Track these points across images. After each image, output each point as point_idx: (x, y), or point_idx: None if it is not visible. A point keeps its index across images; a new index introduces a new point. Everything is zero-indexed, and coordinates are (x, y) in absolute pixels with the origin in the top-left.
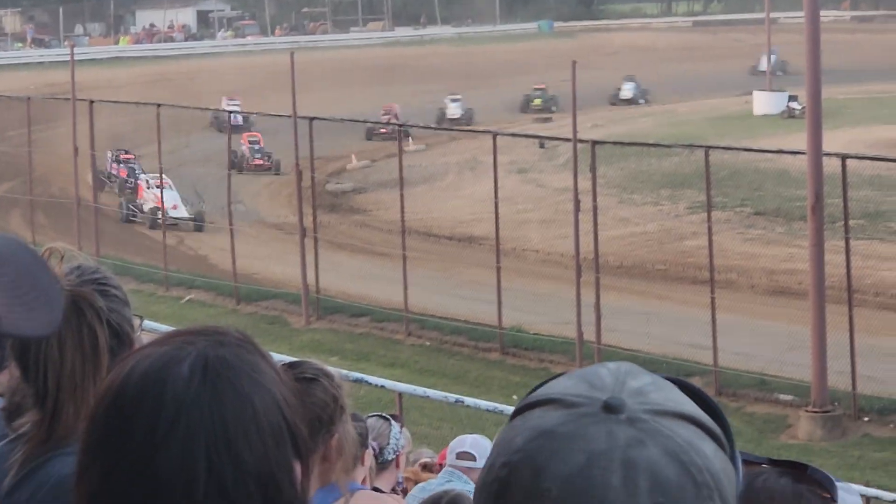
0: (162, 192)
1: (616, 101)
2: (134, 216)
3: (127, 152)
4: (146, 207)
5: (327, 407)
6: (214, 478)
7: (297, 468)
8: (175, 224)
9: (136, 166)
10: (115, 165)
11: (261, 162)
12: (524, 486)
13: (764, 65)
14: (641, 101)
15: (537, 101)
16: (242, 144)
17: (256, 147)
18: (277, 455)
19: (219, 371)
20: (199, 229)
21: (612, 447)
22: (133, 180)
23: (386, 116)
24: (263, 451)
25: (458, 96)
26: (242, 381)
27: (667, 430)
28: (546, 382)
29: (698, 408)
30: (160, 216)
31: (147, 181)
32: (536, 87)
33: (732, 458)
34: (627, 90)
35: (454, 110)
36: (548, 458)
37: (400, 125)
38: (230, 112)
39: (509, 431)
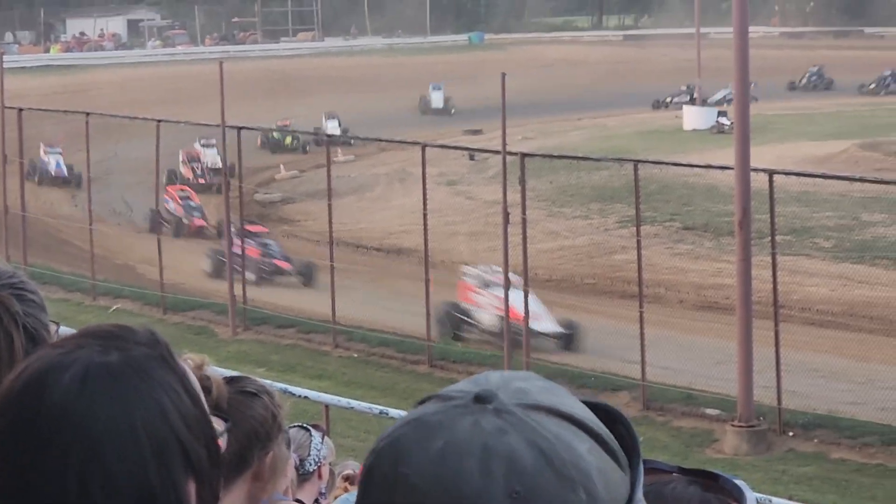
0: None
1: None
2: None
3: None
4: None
5: (265, 423)
6: (86, 496)
7: (191, 486)
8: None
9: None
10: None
11: (202, 223)
12: (384, 472)
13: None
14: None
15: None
16: (169, 201)
17: (192, 205)
18: (160, 471)
19: (99, 380)
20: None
21: (473, 435)
22: None
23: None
24: (141, 467)
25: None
26: (124, 391)
27: (533, 422)
28: None
29: (587, 411)
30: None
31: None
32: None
33: (632, 467)
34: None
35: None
36: (410, 444)
37: (328, 136)
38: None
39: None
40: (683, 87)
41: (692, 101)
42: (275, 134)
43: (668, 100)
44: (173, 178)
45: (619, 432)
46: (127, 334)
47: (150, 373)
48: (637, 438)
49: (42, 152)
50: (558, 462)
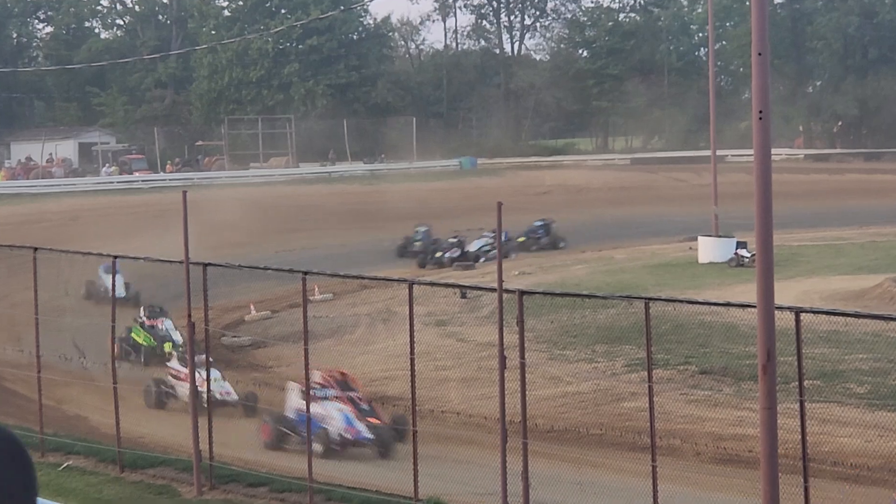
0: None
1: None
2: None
3: None
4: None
5: None
6: None
7: None
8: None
9: None
10: None
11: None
12: None
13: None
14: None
15: (418, 244)
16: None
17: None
18: None
19: None
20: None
21: None
22: None
23: None
24: None
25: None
26: None
27: None
28: None
29: None
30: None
31: None
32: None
33: None
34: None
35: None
36: None
37: (304, 273)
38: None
39: None
40: (422, 228)
41: (461, 255)
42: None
43: (435, 255)
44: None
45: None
46: None
47: None
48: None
49: None
50: None
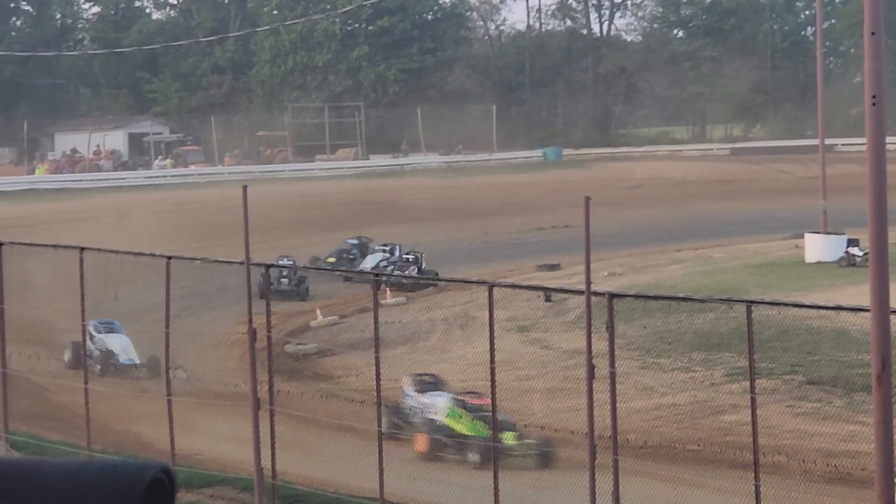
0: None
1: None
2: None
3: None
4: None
5: None
6: None
7: None
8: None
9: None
10: None
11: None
12: None
13: None
14: None
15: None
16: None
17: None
18: None
19: None
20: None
21: None
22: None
23: None
24: None
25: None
26: None
27: None
28: None
29: None
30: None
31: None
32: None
33: None
34: None
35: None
36: None
37: (376, 274)
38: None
39: None
40: (353, 241)
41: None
42: None
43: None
44: None
45: None
46: (135, 476)
47: None
48: None
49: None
50: None
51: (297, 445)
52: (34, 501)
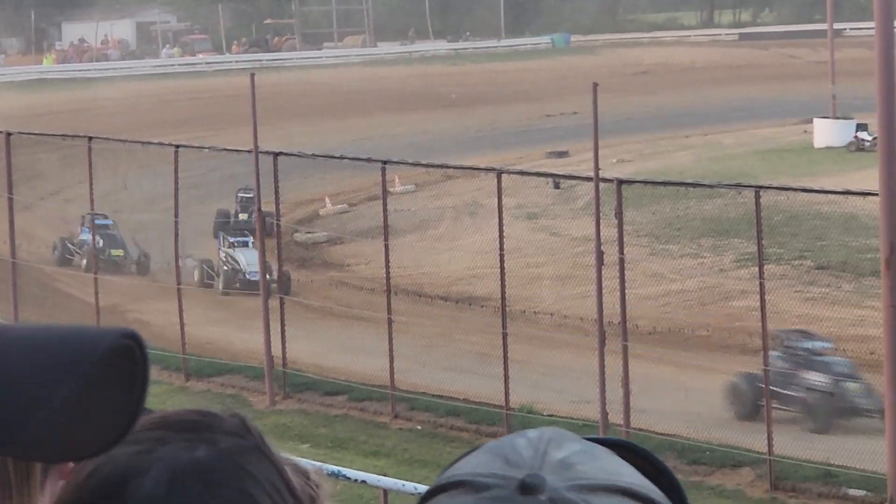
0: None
1: None
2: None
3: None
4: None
5: None
6: None
7: None
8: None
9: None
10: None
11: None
12: None
13: None
14: None
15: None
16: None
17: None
18: None
19: (189, 483)
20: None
21: None
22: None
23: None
24: None
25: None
26: (220, 494)
27: None
28: (458, 460)
29: (639, 474)
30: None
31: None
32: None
33: None
34: None
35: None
36: None
37: (384, 162)
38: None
39: None
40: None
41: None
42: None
43: None
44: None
45: (663, 485)
46: (214, 422)
47: (246, 469)
48: (683, 489)
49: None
50: None
51: (307, 334)
52: None
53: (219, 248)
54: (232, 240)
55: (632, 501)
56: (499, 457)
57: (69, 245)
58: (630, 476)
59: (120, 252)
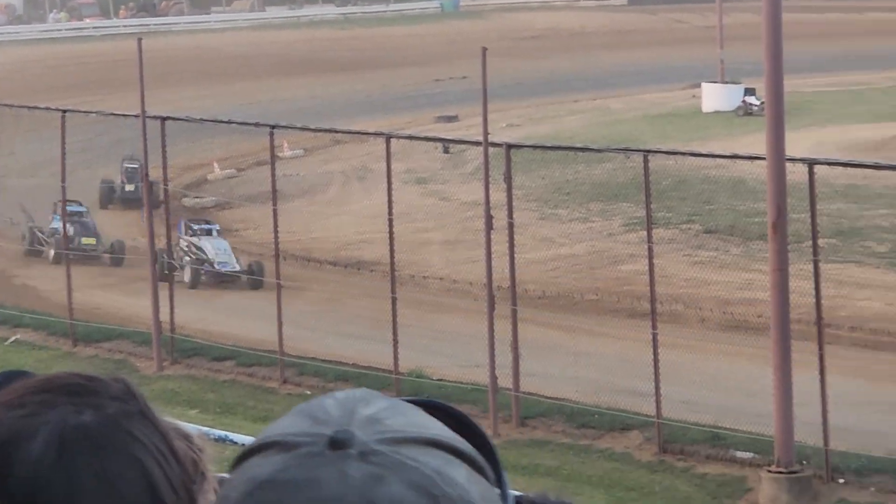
0: None
1: None
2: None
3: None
4: None
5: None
6: None
7: None
8: None
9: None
10: None
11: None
12: None
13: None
14: None
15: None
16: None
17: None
18: None
19: (78, 448)
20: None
21: (345, 490)
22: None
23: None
24: None
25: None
26: (108, 459)
27: (410, 460)
28: (271, 424)
29: (447, 429)
30: None
31: None
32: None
33: (499, 482)
34: None
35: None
36: None
37: (272, 126)
38: None
39: (225, 488)
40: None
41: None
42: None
43: None
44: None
45: (475, 442)
46: (98, 387)
47: (133, 434)
48: (493, 445)
49: None
50: (446, 502)
51: (195, 300)
52: None
53: (180, 237)
54: (195, 227)
55: (439, 451)
56: (308, 417)
57: (38, 234)
58: (437, 429)
59: (92, 241)
